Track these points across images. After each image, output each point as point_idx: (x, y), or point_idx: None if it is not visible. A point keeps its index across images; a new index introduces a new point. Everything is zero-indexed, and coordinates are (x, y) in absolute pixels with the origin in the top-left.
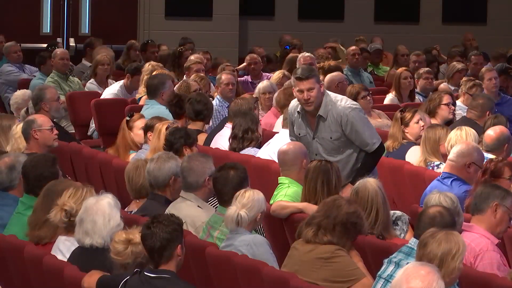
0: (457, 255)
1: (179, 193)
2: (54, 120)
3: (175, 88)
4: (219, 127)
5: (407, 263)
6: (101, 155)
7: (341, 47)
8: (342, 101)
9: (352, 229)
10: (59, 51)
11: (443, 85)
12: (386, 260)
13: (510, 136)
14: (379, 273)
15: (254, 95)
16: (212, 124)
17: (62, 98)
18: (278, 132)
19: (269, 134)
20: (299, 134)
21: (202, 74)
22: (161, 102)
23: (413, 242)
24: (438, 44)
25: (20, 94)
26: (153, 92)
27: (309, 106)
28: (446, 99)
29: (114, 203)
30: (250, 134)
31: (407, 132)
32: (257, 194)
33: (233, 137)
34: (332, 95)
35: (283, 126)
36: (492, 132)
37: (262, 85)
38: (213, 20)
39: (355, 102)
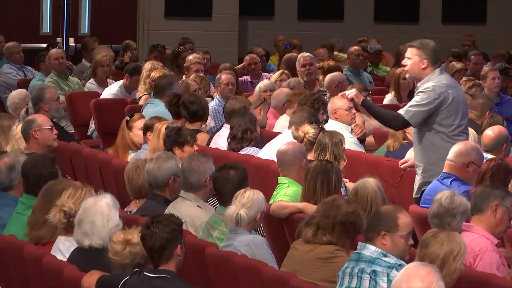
0: (459, 256)
1: (178, 193)
2: (54, 120)
3: None
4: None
5: (359, 269)
6: (100, 155)
7: (340, 54)
8: (438, 78)
9: (352, 229)
10: (53, 51)
11: None
12: (339, 273)
13: (509, 136)
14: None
15: (254, 94)
16: (213, 123)
17: (62, 98)
18: (280, 133)
19: (269, 135)
20: None
21: (202, 74)
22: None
23: (359, 246)
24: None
25: (16, 94)
26: (160, 91)
27: (407, 72)
28: None
29: (113, 203)
30: (249, 134)
31: (408, 132)
32: (257, 194)
33: (232, 137)
34: (442, 76)
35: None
36: (490, 132)
37: (263, 83)
38: (213, 20)
39: (443, 91)
